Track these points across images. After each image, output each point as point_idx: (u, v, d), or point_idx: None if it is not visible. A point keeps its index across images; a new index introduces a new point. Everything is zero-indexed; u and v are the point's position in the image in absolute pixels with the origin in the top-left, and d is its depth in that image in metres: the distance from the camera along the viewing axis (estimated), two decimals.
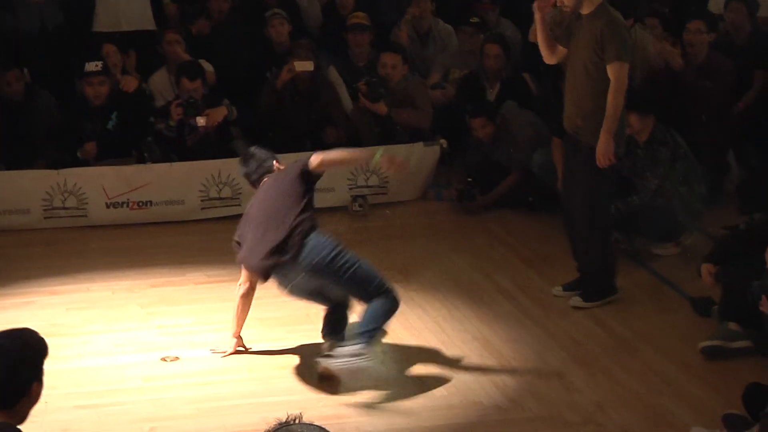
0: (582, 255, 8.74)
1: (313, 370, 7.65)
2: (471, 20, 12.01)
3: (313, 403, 7.07)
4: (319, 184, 10.55)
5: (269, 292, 8.87)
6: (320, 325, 8.30)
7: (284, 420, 3.73)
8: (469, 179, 10.78)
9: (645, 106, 9.48)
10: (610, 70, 8.07)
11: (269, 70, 11.31)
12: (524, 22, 12.30)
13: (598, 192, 8.45)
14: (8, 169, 10.45)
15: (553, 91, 11.02)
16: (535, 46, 11.85)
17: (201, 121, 10.53)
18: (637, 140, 9.48)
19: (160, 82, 11.24)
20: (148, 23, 11.81)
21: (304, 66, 11.03)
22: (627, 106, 8.85)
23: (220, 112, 10.81)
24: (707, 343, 7.85)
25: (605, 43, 8.07)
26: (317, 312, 8.52)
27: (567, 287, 8.87)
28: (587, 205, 8.46)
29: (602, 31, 8.09)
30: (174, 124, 10.64)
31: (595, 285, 8.65)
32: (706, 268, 8.02)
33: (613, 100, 8.10)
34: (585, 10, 8.19)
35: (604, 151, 8.12)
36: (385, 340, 8.11)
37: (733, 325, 7.83)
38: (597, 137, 8.16)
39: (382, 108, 10.88)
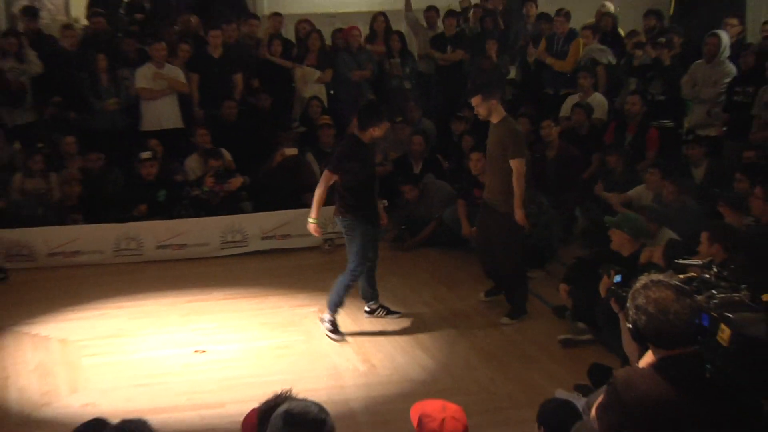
0: (507, 288, 8.63)
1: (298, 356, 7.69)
2: (396, 119, 11.99)
3: (297, 382, 6.94)
4: (300, 231, 10.63)
5: (268, 304, 8.91)
6: (302, 328, 8.32)
7: (279, 393, 3.72)
8: (402, 227, 10.81)
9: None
10: (512, 164, 7.94)
11: (269, 153, 11.29)
12: (439, 118, 12.38)
13: (513, 243, 8.28)
14: (86, 222, 10.35)
15: (459, 167, 11.08)
16: (445, 135, 11.99)
17: (227, 187, 10.59)
18: None
19: (194, 162, 11.18)
20: (178, 122, 11.74)
21: (292, 152, 11.10)
22: None
23: (239, 180, 10.83)
24: (563, 336, 7.89)
25: (508, 145, 7.94)
26: (300, 318, 8.57)
27: (488, 293, 8.90)
28: (507, 254, 8.33)
29: (505, 137, 7.96)
30: (207, 189, 10.64)
31: (516, 306, 8.52)
32: (562, 287, 8.06)
33: (518, 185, 7.98)
34: (494, 120, 8.07)
35: (520, 219, 8.02)
36: (348, 337, 8.16)
37: (580, 324, 7.87)
38: (509, 206, 8.07)
39: None
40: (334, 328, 8.12)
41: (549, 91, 12.28)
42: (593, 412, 3.79)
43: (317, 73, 12.20)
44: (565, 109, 11.65)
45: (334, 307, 8.13)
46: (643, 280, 3.69)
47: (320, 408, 3.26)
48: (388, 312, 8.54)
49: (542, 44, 12.33)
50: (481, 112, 8.09)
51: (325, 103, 12.30)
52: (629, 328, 3.71)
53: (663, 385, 3.58)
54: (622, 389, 3.63)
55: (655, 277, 3.67)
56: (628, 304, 3.68)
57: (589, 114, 11.36)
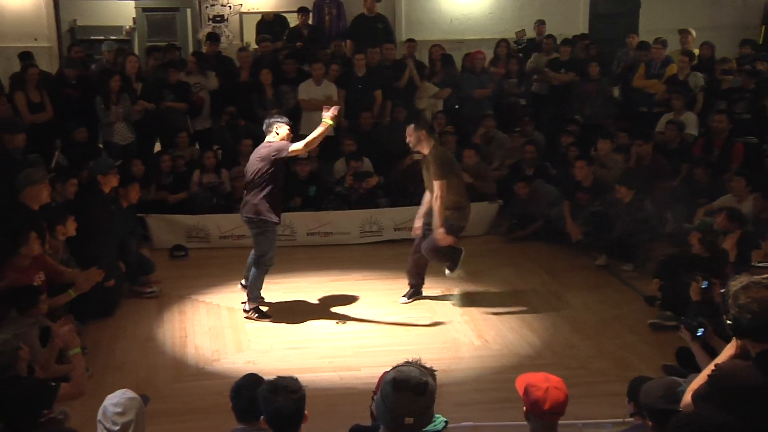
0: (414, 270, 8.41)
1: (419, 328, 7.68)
2: (515, 130, 11.96)
3: (421, 352, 6.95)
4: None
5: (398, 284, 8.89)
6: (427, 306, 8.31)
7: (409, 360, 3.72)
8: (514, 221, 10.70)
9: (632, 183, 9.41)
10: (435, 184, 7.75)
11: (401, 157, 11.31)
12: (548, 131, 12.21)
13: (435, 249, 7.95)
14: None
15: (564, 173, 10.90)
16: (554, 146, 11.82)
17: (365, 184, 10.67)
18: (623, 201, 9.34)
19: (340, 165, 11.26)
20: (331, 131, 11.76)
21: (419, 157, 11.03)
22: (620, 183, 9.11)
23: (374, 180, 10.87)
24: (653, 320, 7.73)
25: (433, 169, 7.76)
26: (425, 298, 8.60)
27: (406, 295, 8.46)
28: (428, 253, 8.05)
29: (432, 164, 7.77)
30: (347, 186, 10.74)
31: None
32: (654, 282, 7.93)
33: (437, 204, 7.76)
34: (424, 151, 7.88)
35: (440, 236, 7.80)
36: (464, 316, 8.11)
37: (668, 312, 7.70)
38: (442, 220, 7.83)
39: (467, 178, 10.81)
40: (260, 314, 8.00)
41: (643, 109, 11.99)
42: (687, 397, 3.68)
43: (434, 89, 12.14)
44: (661, 124, 11.35)
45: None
46: (740, 281, 3.59)
47: (421, 371, 3.28)
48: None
49: (641, 69, 12.02)
50: (411, 140, 7.85)
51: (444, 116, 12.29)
52: (729, 324, 3.60)
53: (763, 376, 3.50)
54: (725, 380, 3.55)
55: (754, 279, 3.57)
56: (729, 303, 3.58)
57: (681, 130, 11.03)
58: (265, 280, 8.13)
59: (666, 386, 4.14)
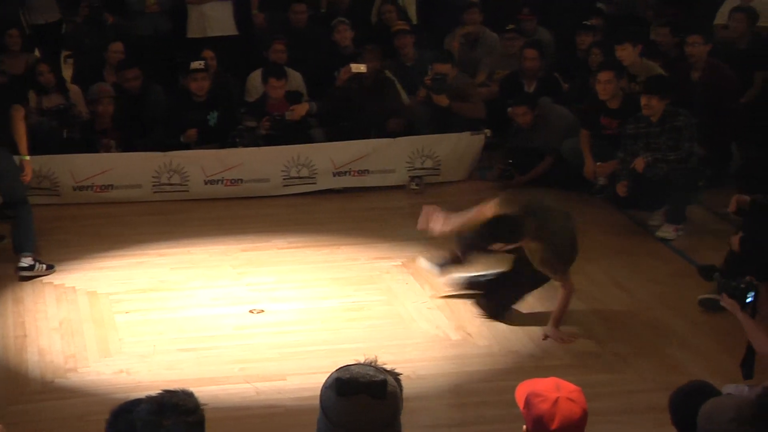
0: None
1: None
2: (507, 27, 11.96)
3: (374, 351, 7.02)
4: (381, 166, 10.65)
5: (340, 255, 8.96)
6: (382, 286, 8.37)
7: (362, 362, 3.73)
8: (510, 161, 10.73)
9: (665, 91, 9.38)
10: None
11: (337, 70, 11.29)
12: (559, 29, 12.24)
13: None
14: (124, 150, 10.48)
15: (583, 89, 10.95)
16: (568, 49, 11.87)
17: (288, 115, 10.62)
18: (651, 120, 9.36)
19: (257, 80, 11.20)
20: (231, 29, 11.81)
21: (358, 68, 11.03)
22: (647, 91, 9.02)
23: (303, 108, 10.82)
24: (705, 295, 7.75)
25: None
26: (379, 274, 8.58)
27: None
28: None
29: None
30: (263, 132, 10.69)
31: None
32: (734, 239, 7.82)
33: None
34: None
35: None
36: (436, 300, 8.16)
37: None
38: None
39: (443, 100, 10.82)
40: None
41: None
42: None
43: None
44: (722, 15, 11.40)
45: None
46: None
47: (377, 369, 3.32)
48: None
49: None
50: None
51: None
52: None
53: None
54: None
55: None
56: None
57: (753, 21, 11.08)
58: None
59: (737, 407, 4.19)
